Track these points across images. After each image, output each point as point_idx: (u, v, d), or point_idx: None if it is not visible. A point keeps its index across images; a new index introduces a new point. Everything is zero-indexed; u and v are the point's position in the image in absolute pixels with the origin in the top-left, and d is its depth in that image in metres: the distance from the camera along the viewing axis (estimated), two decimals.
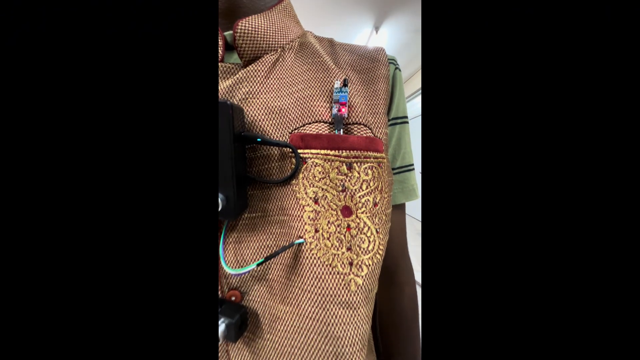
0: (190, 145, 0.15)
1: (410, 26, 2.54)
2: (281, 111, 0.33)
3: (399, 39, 2.74)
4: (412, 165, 0.42)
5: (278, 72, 0.36)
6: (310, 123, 0.32)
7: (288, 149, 0.31)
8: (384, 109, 0.35)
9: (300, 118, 0.32)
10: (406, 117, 0.39)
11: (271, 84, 0.35)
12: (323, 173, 0.30)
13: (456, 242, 0.16)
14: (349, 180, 0.30)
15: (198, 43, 0.15)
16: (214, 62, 0.16)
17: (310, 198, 0.30)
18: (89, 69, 0.14)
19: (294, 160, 0.31)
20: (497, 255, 0.15)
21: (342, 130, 0.31)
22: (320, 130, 0.31)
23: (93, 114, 0.14)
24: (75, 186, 0.14)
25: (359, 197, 0.30)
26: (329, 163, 0.30)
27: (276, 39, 0.37)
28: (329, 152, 0.30)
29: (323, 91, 0.34)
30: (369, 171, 0.31)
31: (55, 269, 0.13)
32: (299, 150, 0.31)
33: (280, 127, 0.32)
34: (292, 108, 0.33)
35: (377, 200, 0.31)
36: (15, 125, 0.13)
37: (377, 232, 0.31)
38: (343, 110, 0.32)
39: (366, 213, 0.30)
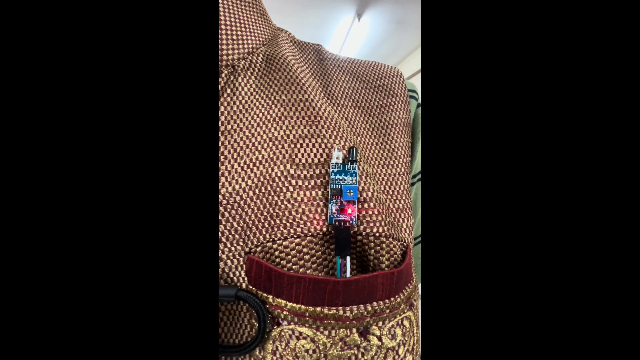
0: (189, 146, 0.14)
1: (393, 16, 2.43)
2: (228, 204, 0.18)
3: (382, 29, 2.62)
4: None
5: (222, 118, 0.20)
6: (285, 238, 0.17)
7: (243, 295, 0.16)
8: (407, 182, 0.21)
9: (266, 223, 0.17)
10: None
11: None
12: (315, 350, 0.16)
13: (459, 251, 0.14)
14: (364, 355, 0.16)
15: (198, 43, 0.15)
16: (214, 62, 0.16)
17: None
18: (88, 69, 0.14)
19: (254, 312, 0.16)
20: (498, 264, 0.14)
21: (348, 256, 0.17)
22: (307, 256, 0.17)
23: (92, 114, 0.14)
24: (76, 183, 0.13)
25: None
26: (326, 332, 0.16)
27: (220, 50, 0.21)
28: (324, 310, 0.16)
29: (309, 164, 0.19)
30: (397, 330, 0.17)
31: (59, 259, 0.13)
32: (265, 296, 0.16)
33: (227, 236, 0.17)
34: (250, 199, 0.18)
35: None
36: (14, 125, 0.13)
37: None
38: (349, 211, 0.17)
39: None
